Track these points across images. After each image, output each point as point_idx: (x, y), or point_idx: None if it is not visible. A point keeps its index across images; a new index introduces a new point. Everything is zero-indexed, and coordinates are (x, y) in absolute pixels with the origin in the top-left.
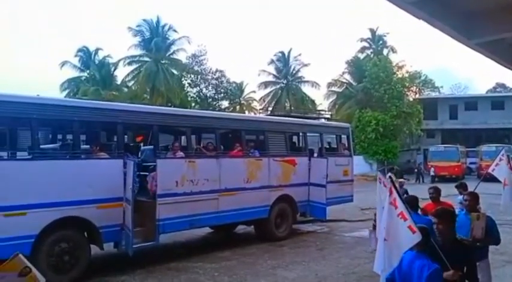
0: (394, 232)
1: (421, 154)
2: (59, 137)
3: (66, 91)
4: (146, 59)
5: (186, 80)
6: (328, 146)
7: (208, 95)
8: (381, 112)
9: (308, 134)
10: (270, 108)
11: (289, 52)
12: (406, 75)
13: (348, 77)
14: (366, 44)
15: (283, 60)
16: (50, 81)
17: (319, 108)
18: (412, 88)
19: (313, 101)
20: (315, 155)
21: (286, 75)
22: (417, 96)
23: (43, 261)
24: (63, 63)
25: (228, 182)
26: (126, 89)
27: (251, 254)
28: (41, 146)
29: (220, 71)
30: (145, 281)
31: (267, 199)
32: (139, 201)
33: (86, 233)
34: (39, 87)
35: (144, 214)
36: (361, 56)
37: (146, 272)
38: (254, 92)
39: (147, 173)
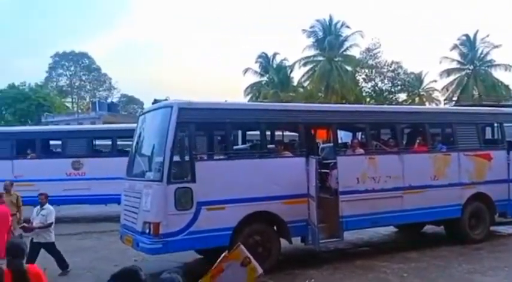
0: None
1: None
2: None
3: (249, 95)
4: (320, 58)
5: (360, 75)
6: None
7: (384, 88)
8: None
9: (505, 125)
10: (455, 98)
11: (475, 34)
12: None
13: None
14: None
15: (468, 44)
16: (235, 86)
17: None
18: None
19: (507, 87)
20: None
21: (472, 60)
22: None
23: None
24: (246, 70)
25: (412, 179)
26: (302, 90)
27: (442, 257)
28: (234, 147)
29: (397, 63)
30: (332, 277)
31: (458, 197)
32: (322, 198)
33: (275, 227)
34: (225, 93)
35: (327, 211)
36: None
37: (333, 268)
38: (435, 81)
39: (327, 170)
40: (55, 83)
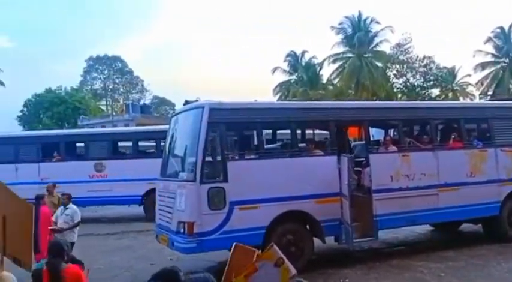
0: None
1: None
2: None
3: (278, 95)
4: (349, 55)
5: (391, 71)
6: None
7: (416, 84)
8: None
9: None
10: (490, 92)
11: (510, 26)
12: None
13: None
14: None
15: (503, 37)
16: (264, 86)
17: None
18: None
19: None
20: None
21: (508, 53)
22: None
23: None
24: (275, 69)
25: (448, 176)
26: (331, 87)
27: (480, 256)
28: (265, 146)
29: (429, 57)
30: (367, 276)
31: (496, 195)
32: (355, 196)
33: (308, 227)
34: (255, 93)
35: (361, 209)
36: None
37: (367, 267)
38: (469, 75)
39: (360, 168)
40: (90, 87)
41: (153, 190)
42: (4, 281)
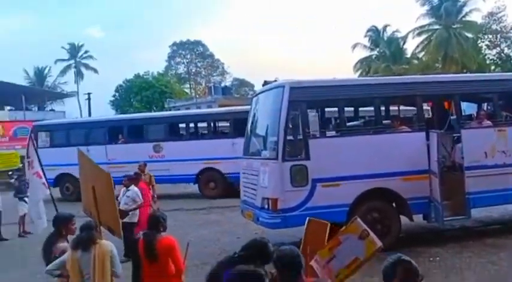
0: None
1: None
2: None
3: (359, 71)
4: (436, 26)
5: (482, 41)
6: None
7: (511, 54)
8: None
9: None
10: None
11: None
12: None
13: None
14: None
15: None
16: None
17: None
18: None
19: None
20: None
21: None
22: None
23: None
24: (355, 45)
25: None
26: (416, 61)
27: None
28: (348, 124)
29: None
30: (459, 255)
31: None
32: (446, 174)
33: (394, 204)
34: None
35: (452, 187)
36: None
37: (460, 246)
38: None
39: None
40: (174, 71)
41: (207, 169)
42: (103, 247)
